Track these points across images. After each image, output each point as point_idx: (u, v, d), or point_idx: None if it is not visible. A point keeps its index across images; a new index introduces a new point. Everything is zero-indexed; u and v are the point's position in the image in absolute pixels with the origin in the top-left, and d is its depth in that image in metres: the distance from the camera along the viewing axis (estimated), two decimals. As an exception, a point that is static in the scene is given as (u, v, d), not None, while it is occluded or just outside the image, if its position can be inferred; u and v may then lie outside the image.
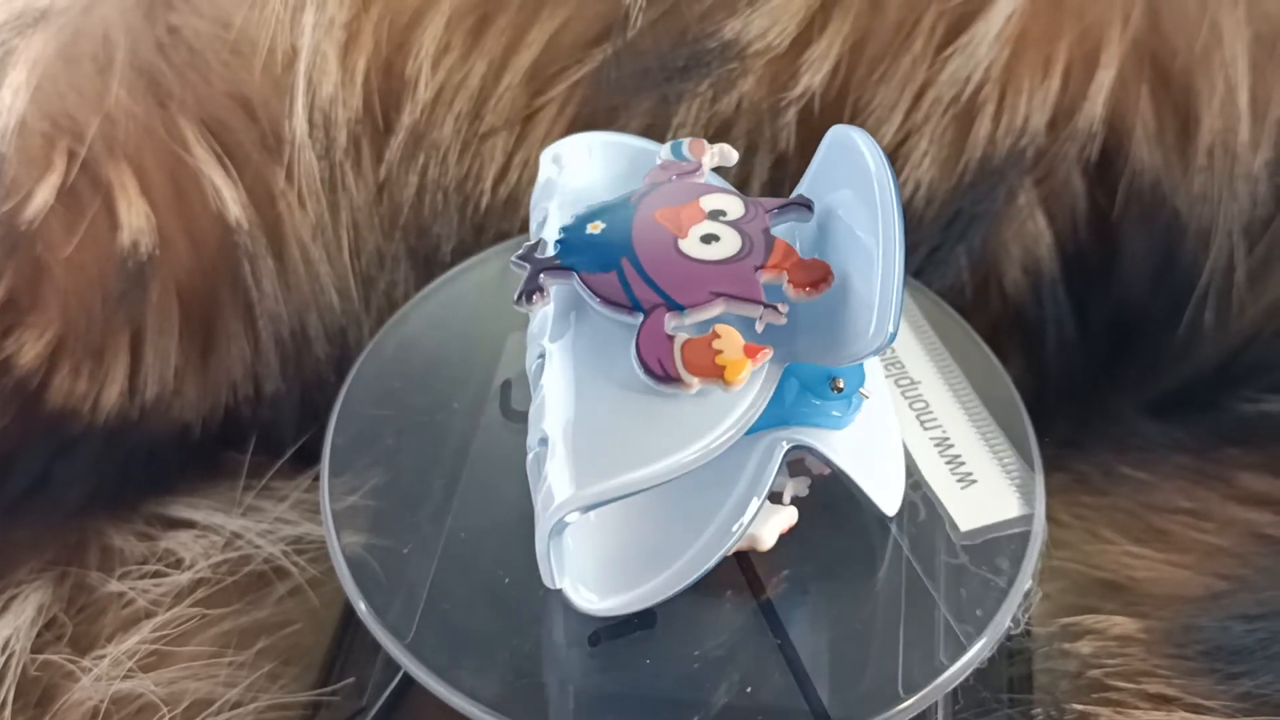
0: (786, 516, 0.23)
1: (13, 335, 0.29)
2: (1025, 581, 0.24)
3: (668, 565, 0.21)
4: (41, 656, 0.26)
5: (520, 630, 0.22)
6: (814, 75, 0.30)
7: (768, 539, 0.23)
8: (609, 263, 0.21)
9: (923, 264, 0.31)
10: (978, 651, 0.22)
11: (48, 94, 0.29)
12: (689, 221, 0.22)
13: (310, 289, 0.31)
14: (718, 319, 0.21)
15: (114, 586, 0.28)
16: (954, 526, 0.24)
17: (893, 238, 0.21)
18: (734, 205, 0.22)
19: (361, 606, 0.23)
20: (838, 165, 0.23)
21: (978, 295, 0.32)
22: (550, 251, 0.22)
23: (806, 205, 0.23)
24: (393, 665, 0.23)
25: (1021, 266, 0.32)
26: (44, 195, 0.29)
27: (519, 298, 0.21)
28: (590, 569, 0.21)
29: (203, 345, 0.31)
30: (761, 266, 0.21)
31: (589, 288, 0.21)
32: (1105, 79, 0.30)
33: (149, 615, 0.27)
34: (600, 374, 0.21)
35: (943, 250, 0.31)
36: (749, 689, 0.22)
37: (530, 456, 0.21)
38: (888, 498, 0.23)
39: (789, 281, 0.21)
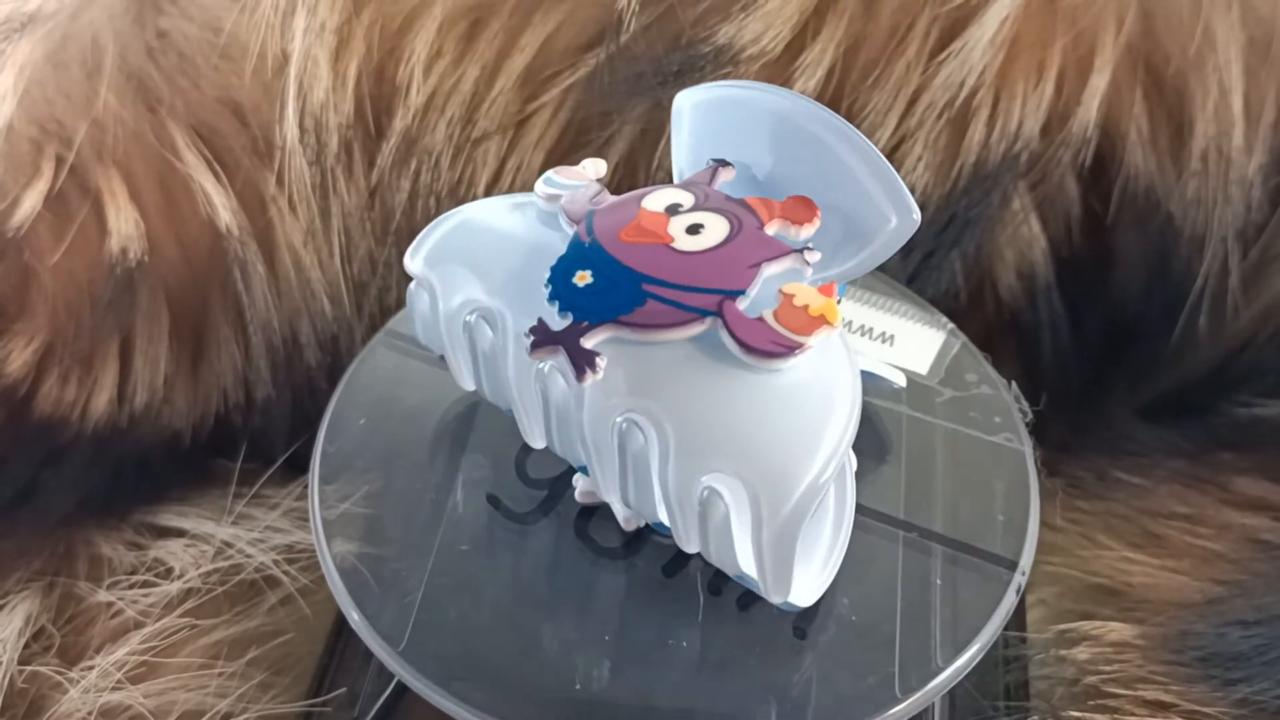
0: None
1: (0, 342, 0.29)
2: (1003, 380, 0.26)
3: (823, 528, 0.22)
4: (29, 668, 0.26)
5: (516, 637, 0.22)
6: (808, 80, 0.30)
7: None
8: (634, 297, 0.21)
9: (916, 269, 0.31)
10: (1034, 463, 0.24)
11: (35, 99, 0.28)
12: (658, 227, 0.22)
13: (301, 295, 0.31)
14: (761, 290, 0.21)
15: (103, 596, 0.28)
16: (917, 374, 0.26)
17: (849, 132, 0.21)
18: (679, 195, 0.22)
19: (354, 615, 0.22)
20: (709, 125, 0.23)
21: (972, 300, 0.32)
22: (561, 321, 0.21)
23: (726, 165, 0.23)
24: (386, 675, 0.23)
25: (1016, 271, 0.32)
26: (31, 201, 0.28)
27: (579, 377, 0.20)
28: None
29: (193, 352, 0.31)
30: (762, 225, 0.21)
31: (637, 326, 0.21)
32: (1099, 84, 0.30)
33: (138, 625, 0.27)
34: (713, 394, 0.20)
35: (936, 255, 0.31)
36: (937, 581, 0.22)
37: (697, 500, 0.20)
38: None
39: (792, 224, 0.21)
